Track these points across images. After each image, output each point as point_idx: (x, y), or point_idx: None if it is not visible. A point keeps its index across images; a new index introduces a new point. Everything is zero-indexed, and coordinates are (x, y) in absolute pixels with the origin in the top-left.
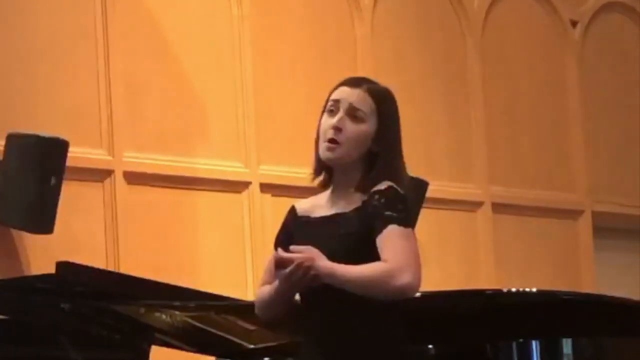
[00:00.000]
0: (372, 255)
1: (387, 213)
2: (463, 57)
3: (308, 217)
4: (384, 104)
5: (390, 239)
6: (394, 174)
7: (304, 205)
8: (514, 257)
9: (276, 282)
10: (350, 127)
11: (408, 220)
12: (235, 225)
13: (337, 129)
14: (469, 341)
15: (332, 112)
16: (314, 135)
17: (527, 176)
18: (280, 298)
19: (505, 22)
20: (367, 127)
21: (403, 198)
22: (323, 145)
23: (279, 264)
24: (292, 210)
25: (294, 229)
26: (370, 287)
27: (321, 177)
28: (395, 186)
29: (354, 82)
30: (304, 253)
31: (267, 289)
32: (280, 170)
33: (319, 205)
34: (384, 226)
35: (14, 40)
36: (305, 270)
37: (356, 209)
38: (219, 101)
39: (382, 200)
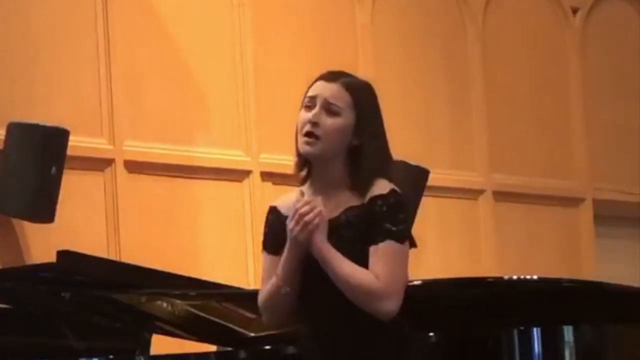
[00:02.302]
0: (363, 258)
1: (387, 226)
2: (464, 45)
3: None
4: (360, 96)
5: (385, 255)
6: (380, 166)
7: (285, 204)
8: (515, 245)
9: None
10: (327, 121)
11: (405, 234)
12: (236, 214)
13: (314, 123)
14: (470, 329)
15: (309, 108)
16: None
17: (528, 164)
18: (288, 260)
19: (506, 10)
20: (344, 121)
21: (404, 204)
22: (301, 139)
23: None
24: (275, 210)
25: (284, 231)
26: (352, 290)
27: (304, 172)
28: (396, 189)
29: (330, 77)
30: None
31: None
32: (281, 158)
33: None
34: (382, 239)
35: (15, 29)
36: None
37: (351, 211)
38: (219, 89)
39: (384, 209)
